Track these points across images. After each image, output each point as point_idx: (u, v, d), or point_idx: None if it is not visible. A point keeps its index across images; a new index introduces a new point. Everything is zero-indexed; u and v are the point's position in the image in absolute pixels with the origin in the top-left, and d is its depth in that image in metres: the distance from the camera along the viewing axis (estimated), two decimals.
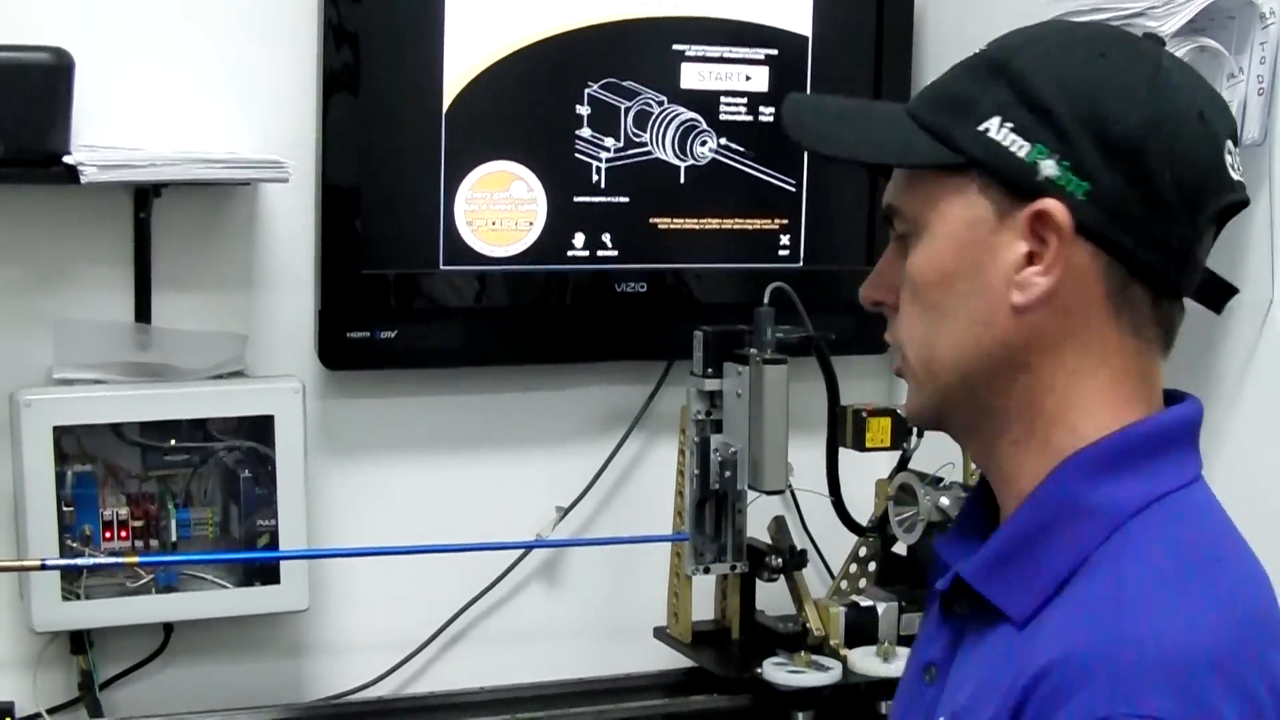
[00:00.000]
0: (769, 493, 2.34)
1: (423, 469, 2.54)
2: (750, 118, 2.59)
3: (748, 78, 2.59)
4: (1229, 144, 1.23)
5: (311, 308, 2.43)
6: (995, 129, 1.21)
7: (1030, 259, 1.21)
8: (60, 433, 2.22)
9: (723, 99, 2.58)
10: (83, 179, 2.03)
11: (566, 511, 2.59)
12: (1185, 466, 1.26)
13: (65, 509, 2.23)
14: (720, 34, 2.56)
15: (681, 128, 2.54)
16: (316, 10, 2.35)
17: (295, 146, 2.35)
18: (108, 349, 2.30)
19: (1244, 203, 1.25)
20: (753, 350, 2.29)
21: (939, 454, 2.30)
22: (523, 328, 2.51)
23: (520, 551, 2.57)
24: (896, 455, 2.40)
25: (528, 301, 2.49)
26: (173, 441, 2.32)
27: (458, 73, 2.39)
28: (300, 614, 2.39)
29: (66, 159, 2.07)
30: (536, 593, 2.63)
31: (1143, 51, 1.24)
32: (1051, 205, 1.19)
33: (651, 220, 2.55)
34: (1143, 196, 1.19)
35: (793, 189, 2.62)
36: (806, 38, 2.60)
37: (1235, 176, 1.23)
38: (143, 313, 2.35)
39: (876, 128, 1.31)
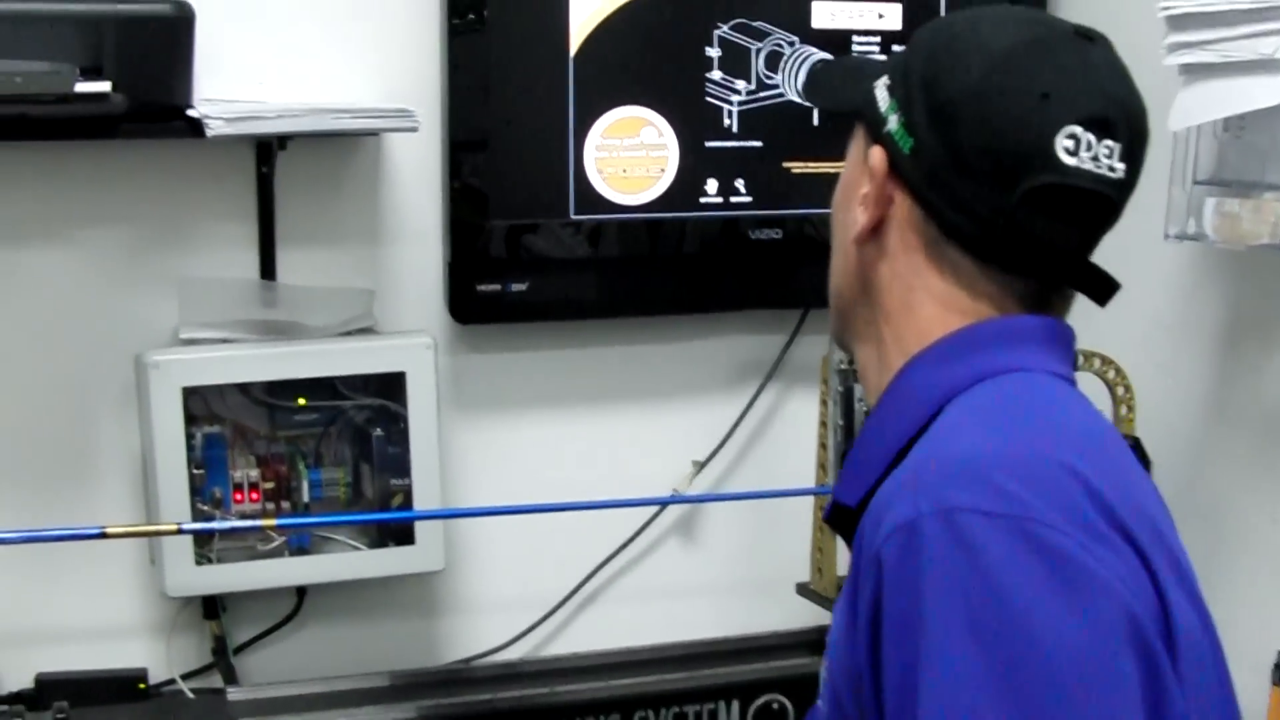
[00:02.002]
0: None
1: (556, 424, 2.42)
2: (884, 57, 2.43)
3: (880, 15, 2.43)
4: (1080, 131, 1.22)
5: (440, 261, 2.31)
6: (880, 85, 1.30)
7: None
8: (188, 394, 2.11)
9: (855, 38, 2.43)
10: (208, 132, 1.92)
11: (703, 465, 2.46)
12: (1021, 356, 1.26)
13: (195, 471, 2.13)
14: None
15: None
16: None
17: (420, 95, 2.23)
18: (233, 307, 2.20)
19: (1078, 190, 1.23)
20: None
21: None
22: (655, 278, 2.38)
23: (656, 508, 2.45)
24: None
25: (660, 251, 2.36)
26: (302, 400, 2.21)
27: (585, 16, 2.26)
28: (435, 575, 2.29)
29: (190, 112, 1.96)
30: (674, 549, 2.51)
31: (1027, 34, 1.25)
32: (874, 153, 1.29)
33: (785, 164, 2.40)
34: (952, 160, 1.24)
35: None
36: None
37: (1069, 162, 1.22)
38: (268, 269, 2.25)
39: (843, 81, 1.42)
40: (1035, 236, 1.24)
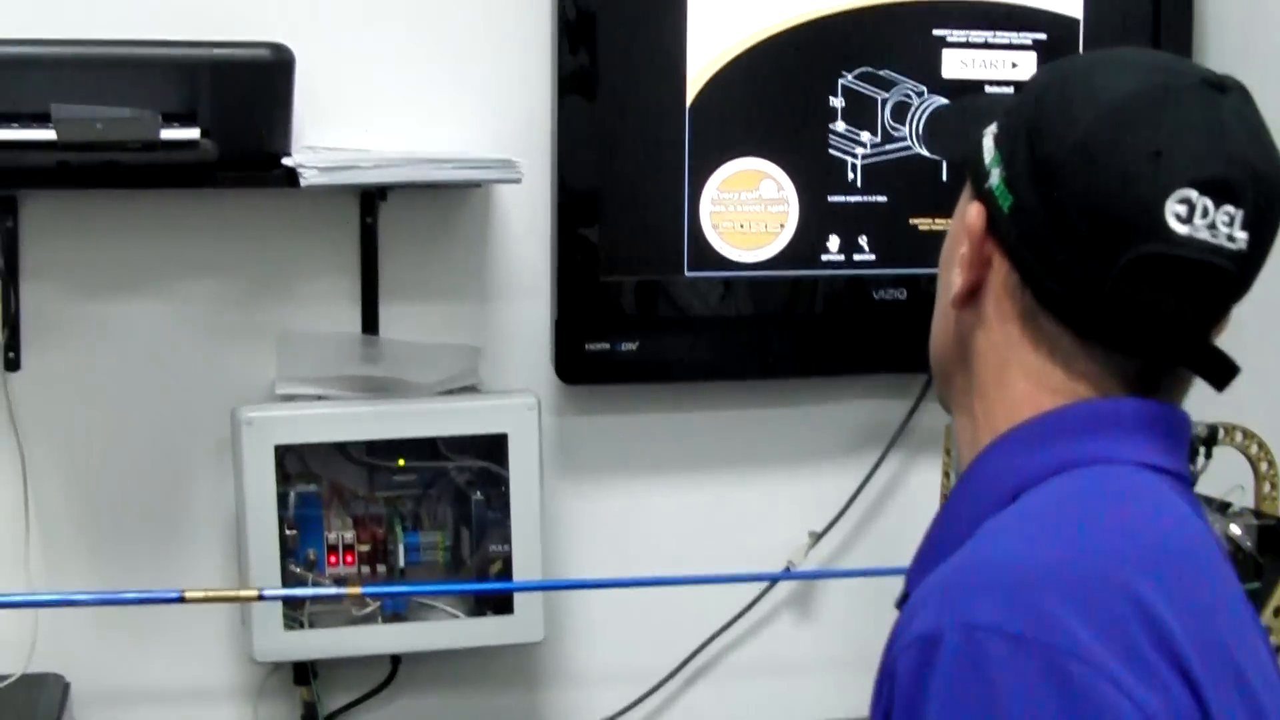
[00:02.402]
0: None
1: (664, 491, 2.30)
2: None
3: (1014, 64, 2.30)
4: (1195, 195, 1.08)
5: (547, 318, 2.21)
6: (989, 134, 1.18)
7: None
8: (283, 451, 2.03)
9: (987, 88, 2.29)
10: (302, 182, 1.83)
11: (820, 537, 2.33)
12: (1109, 446, 1.13)
13: (288, 532, 2.04)
14: (984, 17, 2.28)
15: None
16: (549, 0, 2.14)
17: (528, 146, 2.13)
18: (333, 362, 2.11)
19: (1187, 261, 1.08)
20: None
21: (1228, 474, 2.00)
22: (773, 339, 2.26)
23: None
24: None
25: (778, 310, 2.24)
26: (401, 461, 2.12)
27: (702, 64, 2.15)
28: (534, 646, 2.17)
29: (286, 161, 1.88)
30: (787, 624, 2.37)
31: (1146, 82, 1.12)
32: (972, 210, 1.17)
33: (911, 221, 2.27)
34: (1051, 221, 1.12)
35: None
36: (1077, 20, 2.31)
37: (1180, 230, 1.08)
38: (370, 323, 2.16)
39: (958, 126, 1.29)
40: (1139, 311, 1.10)
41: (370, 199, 2.12)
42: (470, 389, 2.15)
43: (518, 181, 1.95)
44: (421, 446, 2.11)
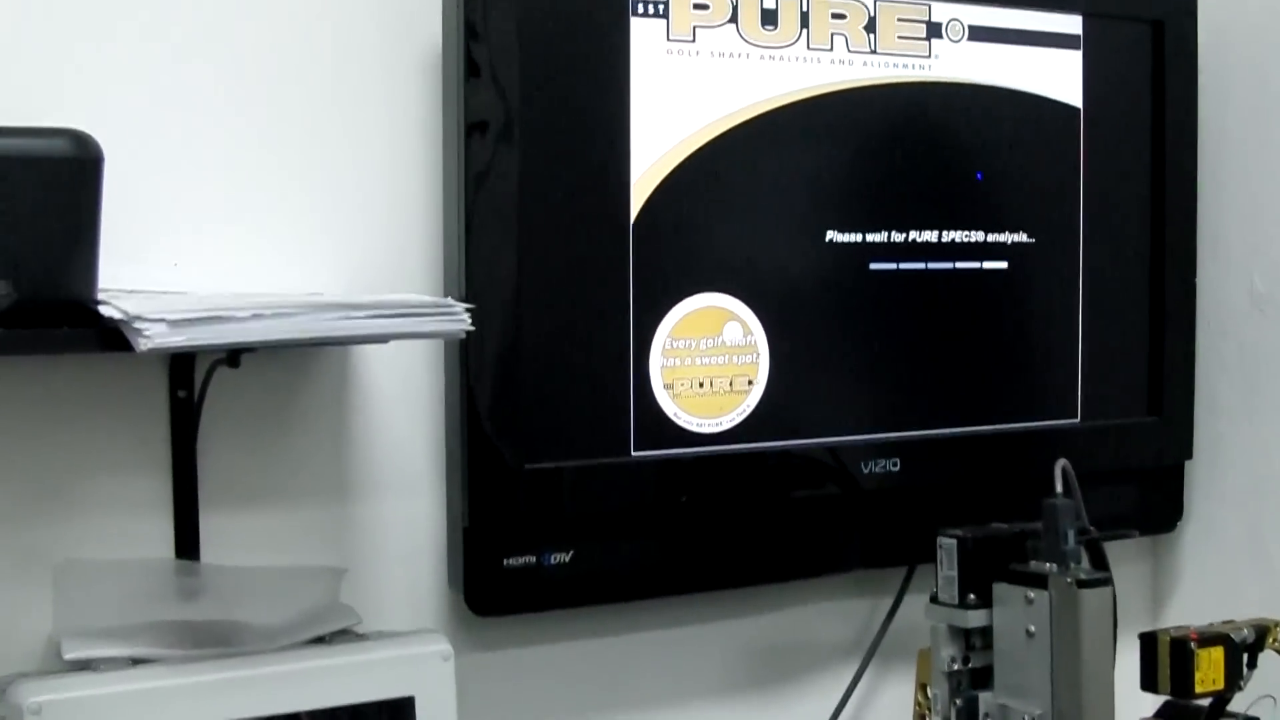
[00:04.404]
0: None
1: None
2: None
3: None
4: None
5: (436, 522, 1.55)
6: None
7: None
8: None
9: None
10: (142, 345, 1.14)
11: None
12: None
13: None
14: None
15: None
16: (438, 89, 1.51)
17: (409, 284, 1.49)
18: (138, 603, 1.39)
19: None
20: (1050, 565, 1.45)
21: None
22: (742, 535, 1.65)
23: None
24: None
25: (746, 496, 1.63)
26: None
27: (649, 162, 1.55)
28: None
29: (107, 310, 1.18)
30: None
31: None
32: None
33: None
34: None
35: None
36: (1078, 109, 1.80)
37: None
38: (187, 542, 1.45)
39: None
40: None
41: (184, 366, 1.43)
42: (346, 634, 1.46)
43: (462, 336, 1.28)
44: None
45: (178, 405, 1.44)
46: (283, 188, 1.48)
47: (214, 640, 1.40)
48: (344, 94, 1.50)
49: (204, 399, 1.42)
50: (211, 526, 1.46)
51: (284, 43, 1.47)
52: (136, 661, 1.36)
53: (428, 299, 1.29)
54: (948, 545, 1.50)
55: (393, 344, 1.45)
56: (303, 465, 1.51)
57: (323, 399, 1.51)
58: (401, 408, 1.54)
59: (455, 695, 1.43)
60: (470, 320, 1.27)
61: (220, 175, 1.45)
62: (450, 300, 1.27)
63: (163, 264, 1.43)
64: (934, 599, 1.52)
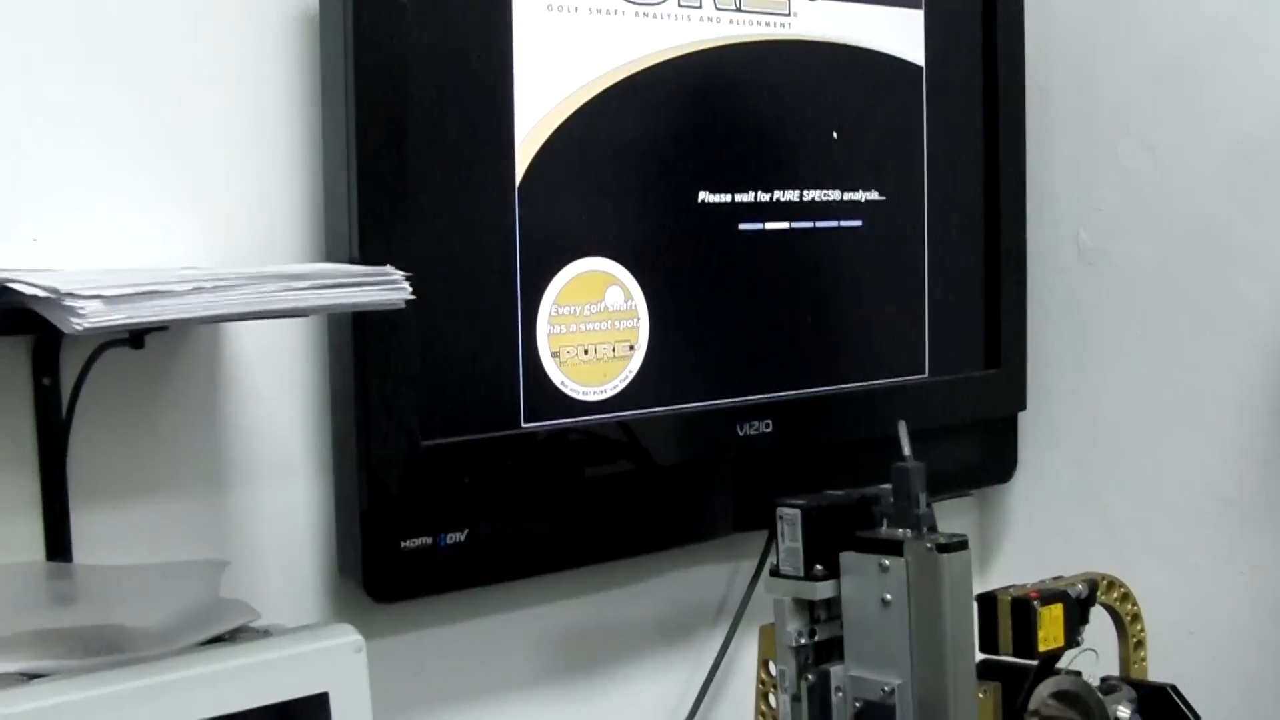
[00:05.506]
0: None
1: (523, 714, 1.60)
2: None
3: None
4: None
5: (320, 508, 1.45)
6: None
7: None
8: None
9: None
10: (76, 324, 1.01)
11: None
12: None
13: None
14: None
15: None
16: (305, 51, 1.41)
17: (286, 253, 1.39)
18: (11, 612, 1.26)
19: None
20: (903, 531, 1.35)
21: None
22: (634, 503, 1.59)
23: None
24: None
25: (638, 464, 1.58)
26: None
27: (534, 119, 1.47)
28: None
29: (20, 286, 1.05)
30: None
31: None
32: None
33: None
34: None
35: None
36: (920, 68, 1.80)
37: None
38: (58, 543, 1.32)
39: None
40: None
41: (48, 349, 1.30)
42: (246, 631, 1.35)
43: (402, 305, 1.19)
44: None
45: (42, 394, 1.31)
46: (146, 158, 1.35)
47: (105, 648, 1.26)
48: (208, 58, 1.38)
49: (83, 385, 1.29)
50: (82, 525, 1.33)
51: (142, 3, 1.35)
52: (30, 677, 1.23)
53: (365, 269, 1.18)
54: (790, 515, 1.38)
55: (264, 325, 1.35)
56: (176, 455, 1.39)
57: (194, 384, 1.39)
58: (274, 391, 1.43)
59: (369, 687, 1.33)
60: (410, 289, 1.17)
61: (79, 146, 1.32)
62: (389, 269, 1.17)
63: (20, 240, 1.29)
64: (775, 572, 1.39)
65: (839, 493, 1.41)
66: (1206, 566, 1.82)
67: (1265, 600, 1.77)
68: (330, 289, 1.12)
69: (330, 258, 1.40)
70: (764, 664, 1.51)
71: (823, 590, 1.37)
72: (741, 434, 1.64)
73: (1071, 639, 1.48)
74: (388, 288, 1.15)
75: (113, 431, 1.35)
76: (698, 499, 1.64)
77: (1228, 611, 1.80)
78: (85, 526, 1.34)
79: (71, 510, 1.33)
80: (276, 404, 1.44)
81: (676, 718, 1.72)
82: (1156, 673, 1.53)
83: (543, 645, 1.62)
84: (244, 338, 1.41)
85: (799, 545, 1.38)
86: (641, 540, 1.61)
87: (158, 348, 1.34)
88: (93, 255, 1.32)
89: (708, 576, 1.76)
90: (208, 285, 1.06)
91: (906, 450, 1.36)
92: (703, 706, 1.71)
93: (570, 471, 1.52)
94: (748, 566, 1.74)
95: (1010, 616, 1.46)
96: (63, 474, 1.32)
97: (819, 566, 1.37)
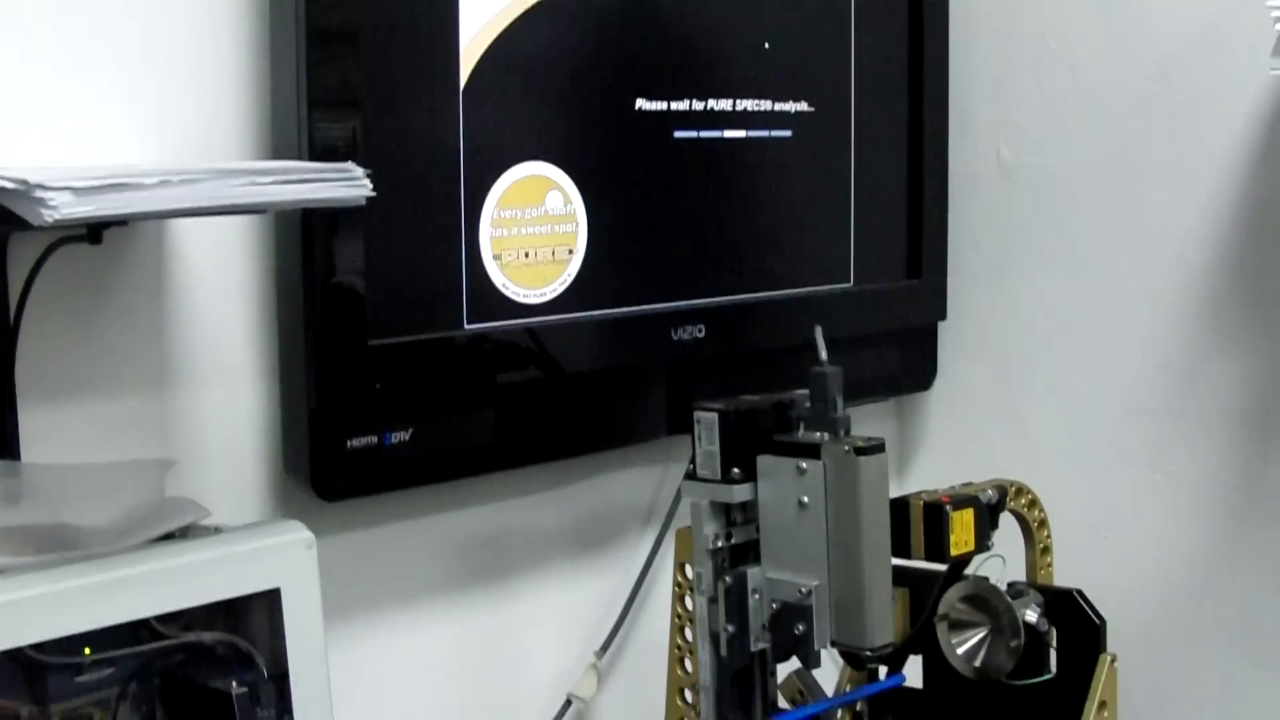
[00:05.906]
0: (872, 655, 1.34)
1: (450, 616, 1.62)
2: None
3: None
4: None
5: (265, 407, 1.46)
6: None
7: None
8: None
9: None
10: (46, 215, 1.01)
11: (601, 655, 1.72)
12: None
13: None
14: None
15: None
16: None
17: (221, 151, 1.39)
18: None
19: None
20: (821, 434, 1.35)
21: None
22: (559, 406, 1.62)
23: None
24: None
25: (565, 367, 1.60)
26: (87, 651, 1.30)
27: (479, 23, 1.48)
28: None
29: None
30: None
31: None
32: None
33: None
34: None
35: None
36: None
37: None
38: (5, 442, 1.32)
39: None
40: None
41: None
42: (197, 529, 1.35)
43: (363, 201, 1.20)
44: (119, 631, 1.30)
45: None
46: (82, 55, 1.34)
47: (58, 544, 1.27)
48: None
49: (33, 284, 1.29)
50: (31, 422, 1.33)
51: None
52: None
53: (325, 165, 1.18)
54: (707, 419, 1.37)
55: (212, 224, 1.36)
56: (123, 354, 1.39)
57: (142, 283, 1.39)
58: (222, 290, 1.44)
59: (319, 583, 1.35)
60: (371, 185, 1.18)
61: (9, 44, 1.31)
62: (350, 165, 1.18)
63: None
64: (691, 475, 1.39)
65: (756, 397, 1.40)
66: (1120, 472, 1.88)
67: (1177, 505, 1.83)
68: (294, 184, 1.12)
69: (275, 158, 1.40)
70: (680, 567, 1.53)
71: (739, 493, 1.36)
72: (675, 338, 1.67)
73: (982, 544, 1.50)
74: (350, 183, 1.15)
75: (60, 330, 1.34)
76: (634, 401, 1.67)
77: (1139, 517, 1.86)
78: (32, 425, 1.33)
79: (20, 409, 1.32)
80: (224, 303, 1.44)
81: (609, 615, 1.75)
82: (1067, 577, 1.56)
83: (483, 544, 1.64)
84: (192, 237, 1.41)
85: (716, 449, 1.37)
86: (579, 441, 1.64)
87: (110, 245, 1.33)
88: (26, 154, 1.30)
89: (641, 478, 1.79)
90: (174, 179, 1.06)
91: (823, 354, 1.36)
92: (632, 609, 1.75)
93: (511, 373, 1.54)
94: (677, 469, 1.77)
95: (923, 521, 1.46)
96: (10, 373, 1.32)
97: (736, 470, 1.36)
